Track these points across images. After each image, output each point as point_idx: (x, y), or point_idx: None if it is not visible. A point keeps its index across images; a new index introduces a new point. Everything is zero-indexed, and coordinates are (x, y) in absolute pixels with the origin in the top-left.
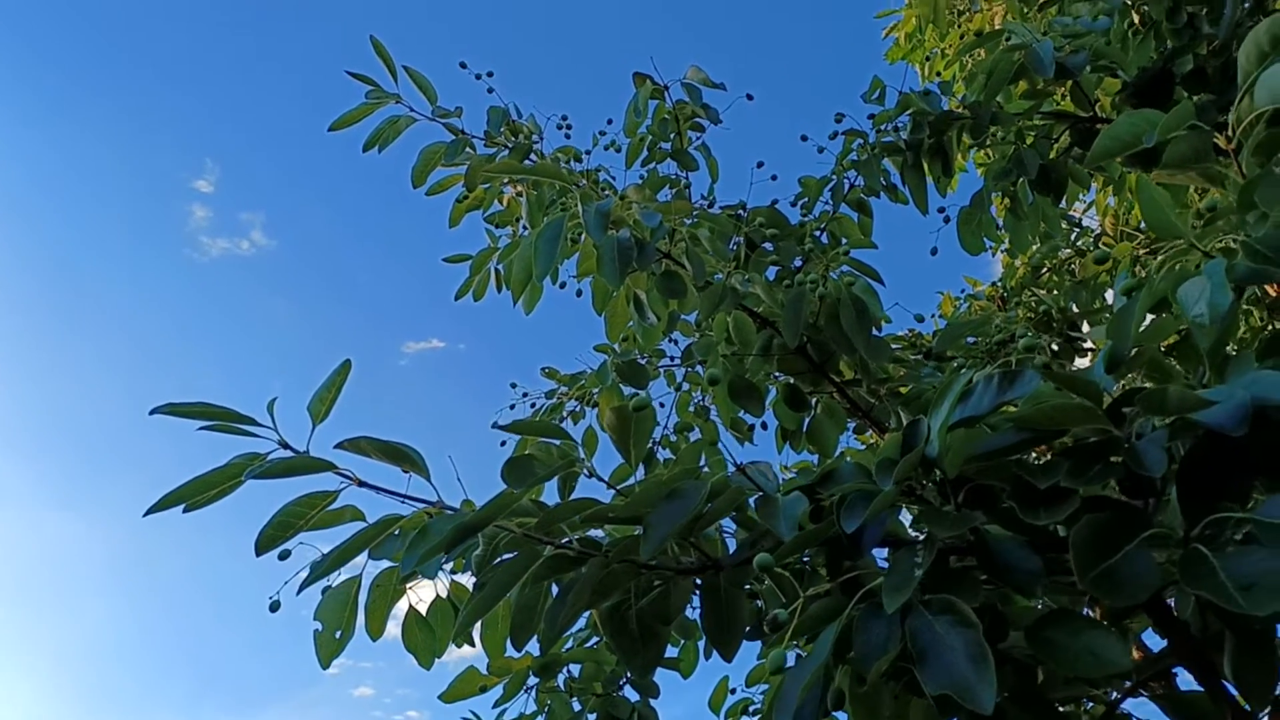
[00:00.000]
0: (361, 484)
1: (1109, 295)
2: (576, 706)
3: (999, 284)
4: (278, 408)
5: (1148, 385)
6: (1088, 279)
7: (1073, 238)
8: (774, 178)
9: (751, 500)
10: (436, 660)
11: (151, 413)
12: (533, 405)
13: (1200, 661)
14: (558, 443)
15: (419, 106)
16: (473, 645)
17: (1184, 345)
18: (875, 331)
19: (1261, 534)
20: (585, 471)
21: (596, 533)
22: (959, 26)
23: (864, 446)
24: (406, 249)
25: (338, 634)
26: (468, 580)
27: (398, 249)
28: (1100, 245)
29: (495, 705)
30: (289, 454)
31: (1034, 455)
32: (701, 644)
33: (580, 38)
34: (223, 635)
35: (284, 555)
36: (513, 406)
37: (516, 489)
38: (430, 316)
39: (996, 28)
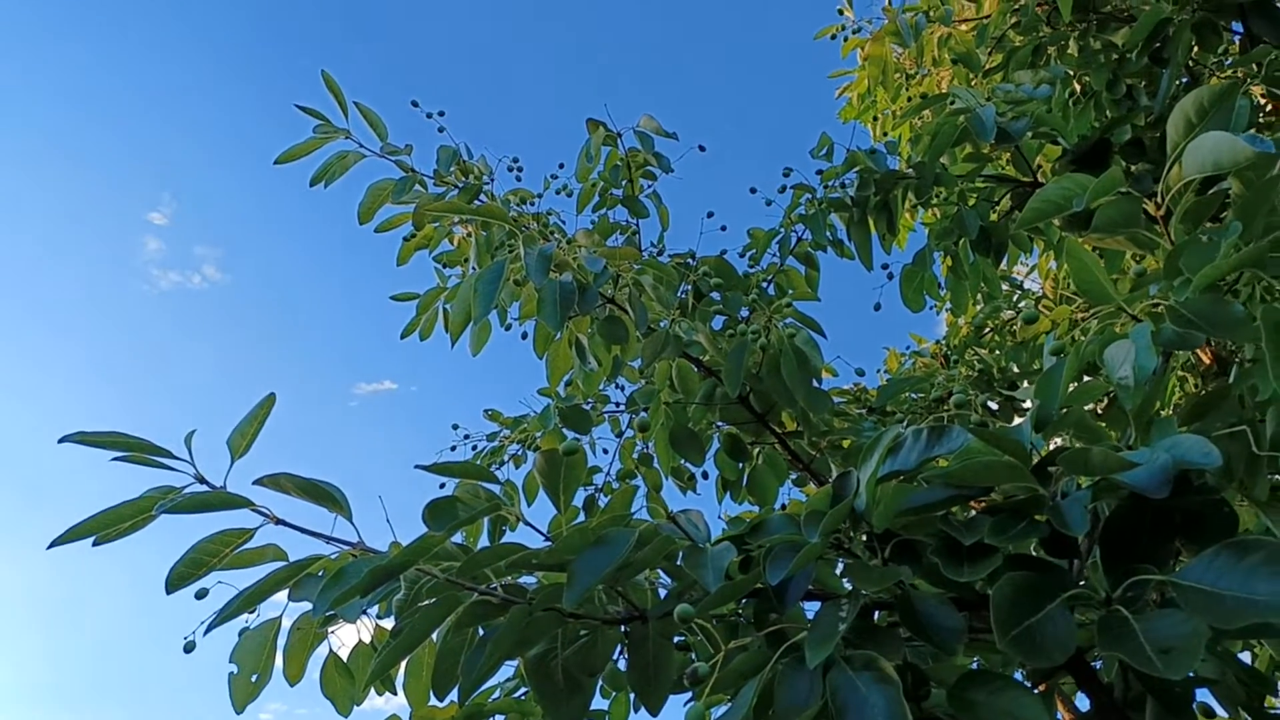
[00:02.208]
0: (279, 522)
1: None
2: None
3: (943, 342)
4: (213, 443)
5: (1076, 446)
6: (1028, 340)
7: (1015, 300)
8: (723, 228)
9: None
10: (356, 708)
11: (60, 441)
12: (474, 448)
13: None
14: (496, 487)
15: (369, 143)
16: (395, 694)
17: (1114, 408)
18: (816, 383)
19: (1180, 597)
20: (514, 519)
21: (529, 580)
22: (908, 90)
23: (805, 498)
24: (363, 289)
25: (254, 677)
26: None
27: (354, 289)
28: (1040, 308)
29: None
30: (205, 489)
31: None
32: (633, 696)
33: (535, 86)
34: (146, 676)
35: (201, 594)
36: (454, 448)
37: (437, 531)
38: (384, 358)
39: (943, 91)
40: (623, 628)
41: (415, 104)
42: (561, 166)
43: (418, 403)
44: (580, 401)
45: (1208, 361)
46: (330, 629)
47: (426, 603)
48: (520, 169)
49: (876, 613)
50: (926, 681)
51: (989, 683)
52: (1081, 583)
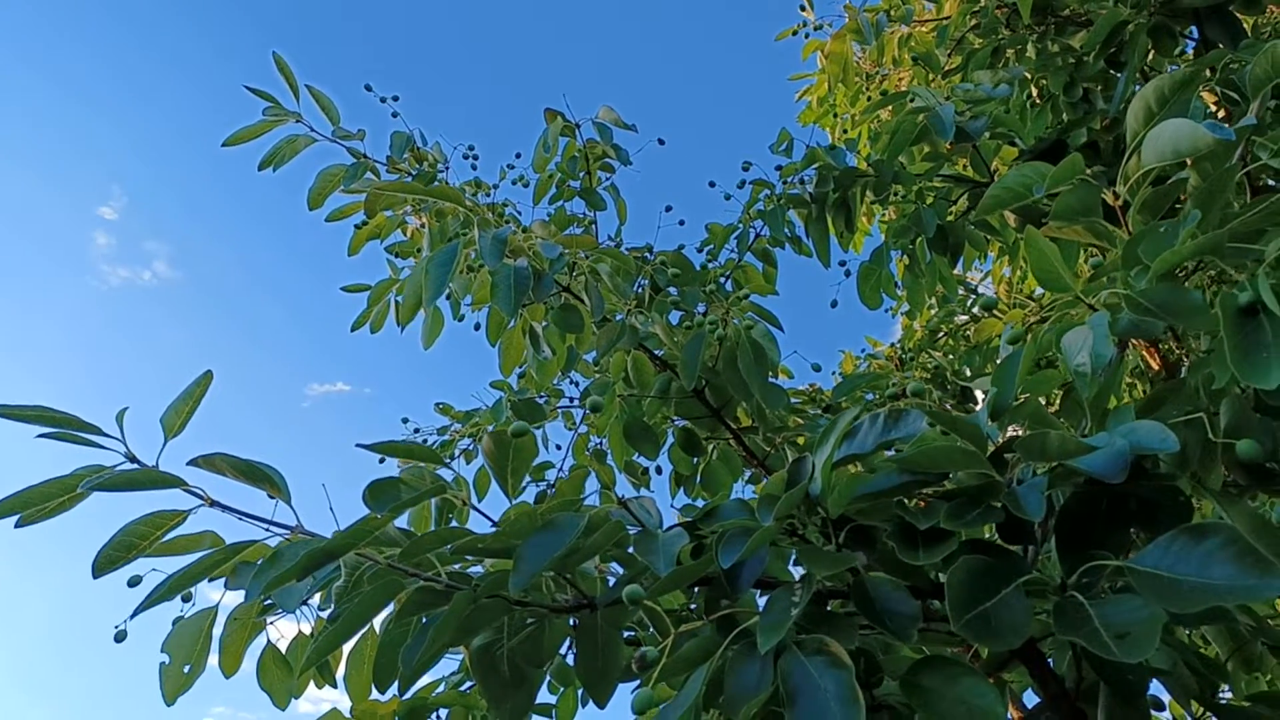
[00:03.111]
0: (214, 504)
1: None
2: None
3: (897, 345)
4: (152, 431)
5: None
6: (981, 344)
7: (969, 304)
8: (681, 223)
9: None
10: (296, 703)
11: None
12: (424, 441)
13: (1074, 714)
14: (444, 471)
15: (321, 127)
16: (335, 687)
17: (1069, 400)
18: (772, 377)
19: (1137, 583)
20: (459, 502)
21: (477, 569)
22: (868, 90)
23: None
24: (317, 292)
25: (186, 668)
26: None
27: (307, 291)
28: (994, 313)
29: None
30: (135, 467)
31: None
32: (581, 691)
33: (492, 77)
34: (78, 670)
35: (134, 581)
36: None
37: (379, 513)
38: (337, 359)
39: (903, 90)
40: (571, 618)
41: (369, 88)
42: (518, 156)
43: (371, 405)
44: (533, 394)
45: (1156, 367)
46: (269, 619)
47: (364, 589)
48: (476, 157)
49: (829, 603)
50: (879, 669)
51: (943, 670)
52: (1035, 570)
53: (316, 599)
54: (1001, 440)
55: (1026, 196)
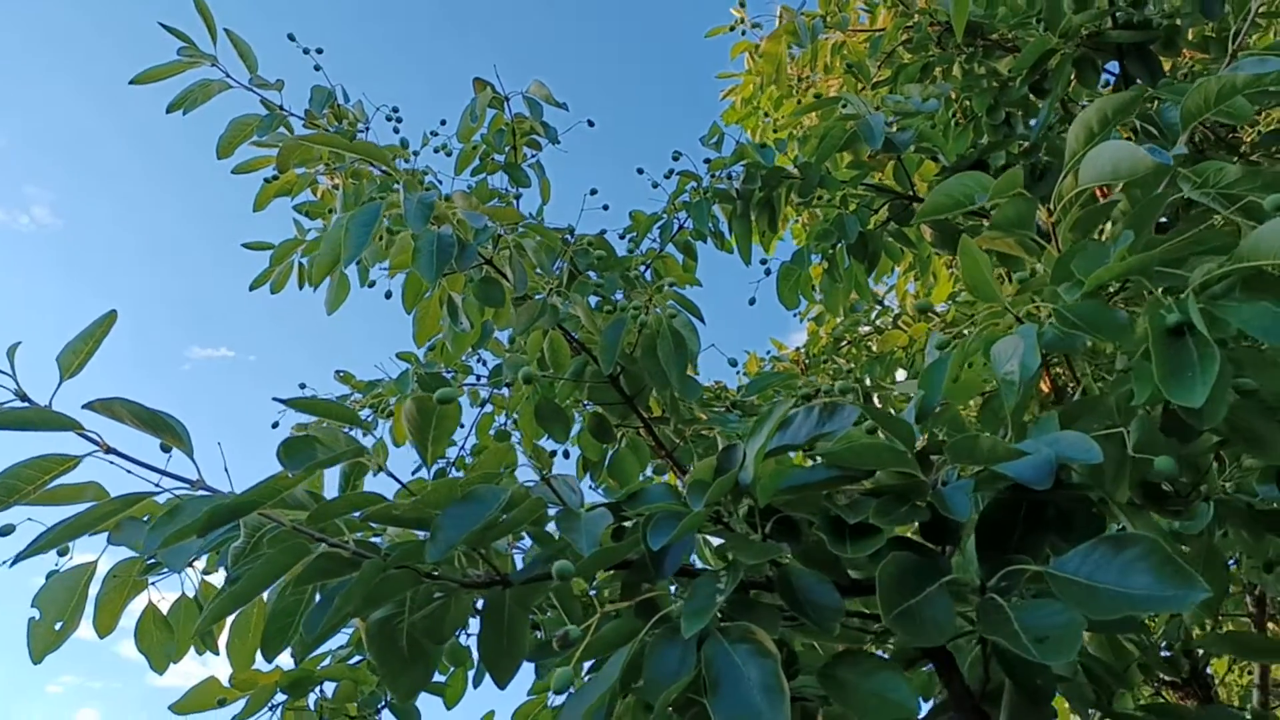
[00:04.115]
0: (109, 450)
1: (900, 374)
2: None
3: (802, 350)
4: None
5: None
6: (884, 354)
7: (873, 315)
8: (605, 207)
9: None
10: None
11: None
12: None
13: (977, 715)
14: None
15: (237, 74)
16: (216, 653)
17: (986, 409)
18: (692, 368)
19: (1057, 588)
20: (375, 467)
21: (378, 540)
22: (798, 93)
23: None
24: (205, 251)
25: (58, 625)
26: (220, 582)
27: (196, 250)
28: (899, 324)
29: None
30: (26, 405)
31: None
32: (471, 673)
33: (417, 48)
34: None
35: (6, 530)
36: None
37: (293, 472)
38: (222, 324)
39: (832, 96)
40: (478, 595)
41: (292, 37)
42: (443, 124)
43: (255, 373)
44: (440, 368)
45: (1046, 390)
46: (151, 579)
47: (267, 552)
48: (399, 120)
49: (749, 592)
50: (796, 660)
51: (860, 664)
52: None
53: (202, 561)
54: (923, 441)
55: (967, 205)
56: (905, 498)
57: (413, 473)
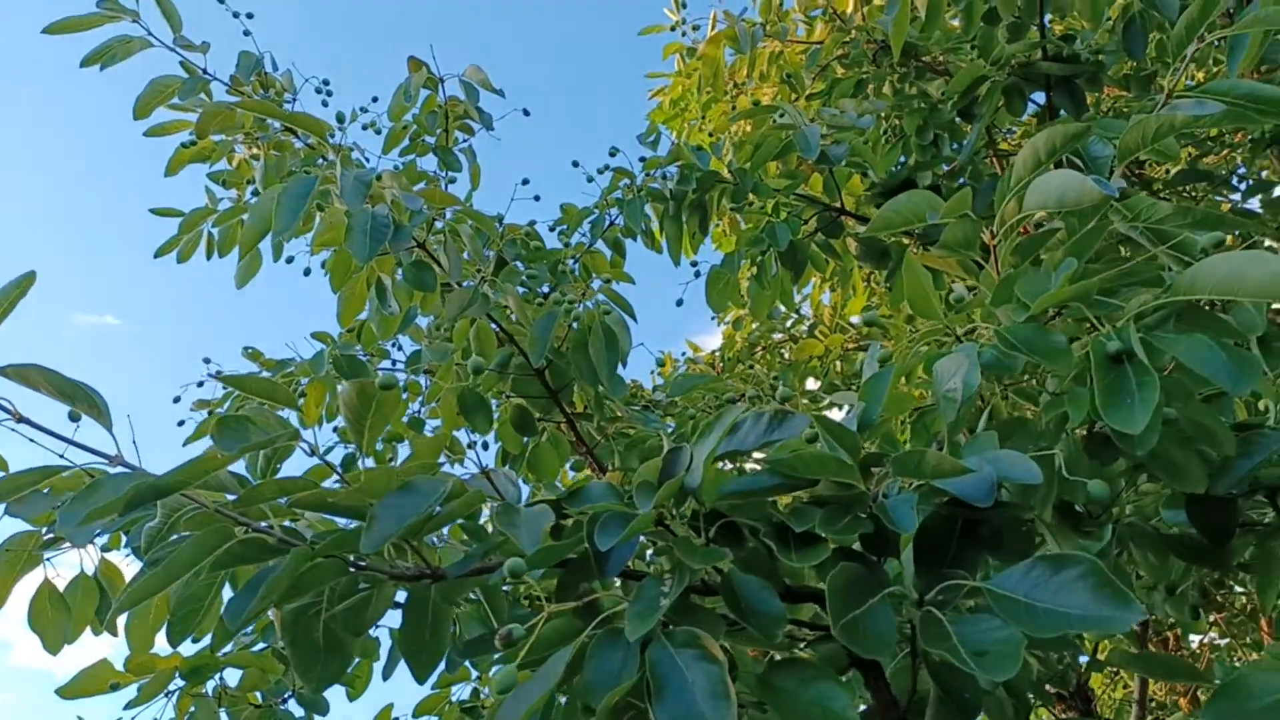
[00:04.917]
0: (21, 419)
1: (810, 382)
2: (225, 718)
3: (718, 353)
4: None
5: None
6: (798, 362)
7: (788, 324)
8: (537, 198)
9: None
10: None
11: None
12: (224, 388)
13: None
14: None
15: (160, 34)
16: (115, 635)
17: (918, 425)
18: (622, 366)
19: (995, 604)
20: (307, 448)
21: (297, 526)
22: (732, 99)
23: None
24: (93, 214)
25: None
26: (120, 561)
27: (83, 212)
28: (816, 334)
29: (127, 707)
30: None
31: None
32: (379, 665)
33: (355, 24)
34: None
35: None
36: (201, 384)
37: (226, 452)
38: (106, 290)
39: (766, 105)
40: (401, 589)
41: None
42: (375, 100)
43: (140, 343)
44: (357, 351)
45: None
46: (48, 555)
47: (184, 534)
48: (329, 93)
49: (690, 597)
50: (735, 665)
51: (799, 672)
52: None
53: (103, 537)
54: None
55: (916, 222)
56: (848, 508)
57: (341, 460)
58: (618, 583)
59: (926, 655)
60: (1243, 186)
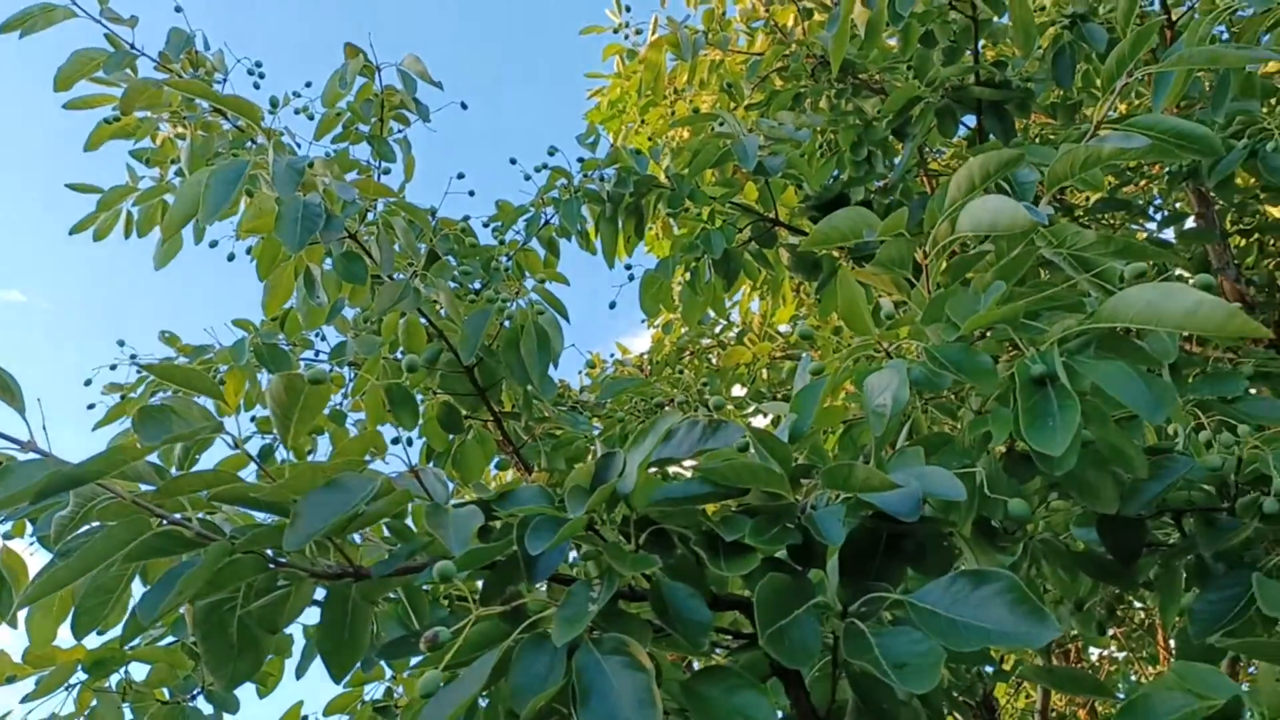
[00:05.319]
0: None
1: (737, 389)
2: (129, 714)
3: (646, 356)
4: None
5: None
6: (725, 369)
7: (718, 330)
8: (471, 193)
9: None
10: None
11: None
12: (139, 372)
13: None
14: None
15: (86, 4)
16: (14, 626)
17: (845, 438)
18: (553, 366)
19: (917, 617)
20: (230, 440)
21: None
22: (671, 104)
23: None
24: (7, 183)
25: None
26: (22, 549)
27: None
28: (745, 341)
29: (24, 701)
30: None
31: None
32: (291, 661)
33: (292, 9)
34: None
35: None
36: (114, 366)
37: (147, 442)
38: (14, 264)
39: (704, 113)
40: (319, 587)
41: None
42: (308, 85)
43: (49, 321)
44: (279, 340)
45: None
46: None
47: (97, 525)
48: (261, 75)
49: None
50: (660, 673)
51: (723, 680)
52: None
53: (9, 524)
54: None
55: (852, 238)
56: (778, 519)
57: (259, 451)
58: (543, 586)
59: (847, 665)
60: (1158, 217)
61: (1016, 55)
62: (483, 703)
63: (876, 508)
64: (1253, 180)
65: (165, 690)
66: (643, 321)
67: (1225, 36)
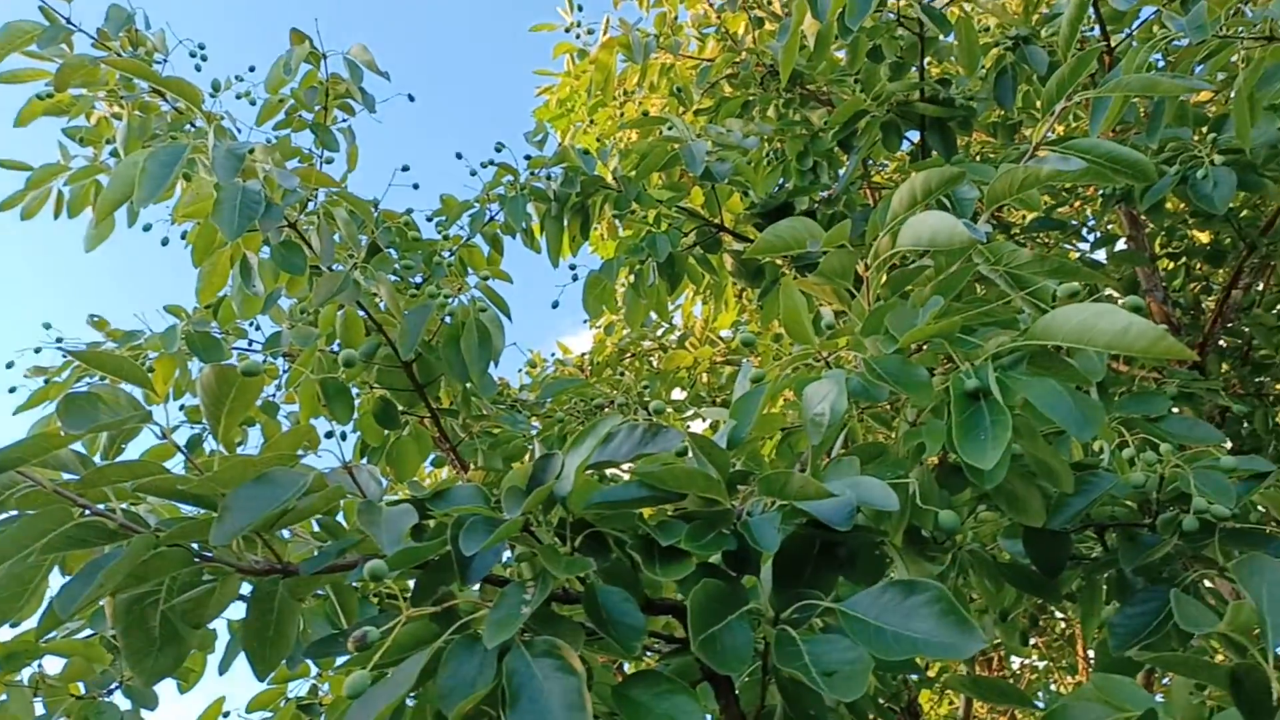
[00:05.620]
0: None
1: (677, 392)
2: (41, 709)
3: (587, 356)
4: None
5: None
6: (666, 372)
7: (659, 333)
8: (416, 186)
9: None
10: None
11: None
12: (65, 356)
13: None
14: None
15: None
16: None
17: (783, 445)
18: (493, 364)
19: (846, 625)
20: (158, 430)
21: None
22: (620, 105)
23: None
24: None
25: None
26: None
27: None
28: (686, 345)
29: None
30: None
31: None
32: (214, 657)
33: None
34: None
35: None
36: (38, 350)
37: (73, 430)
38: None
39: (653, 116)
40: (246, 582)
41: None
42: (252, 70)
43: None
44: (211, 328)
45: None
46: None
47: (15, 513)
48: (204, 58)
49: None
50: (592, 676)
51: (655, 685)
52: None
53: None
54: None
55: (797, 247)
56: (714, 524)
57: (187, 443)
58: (476, 586)
59: (777, 671)
60: (1091, 238)
61: (961, 74)
62: (410, 702)
63: (811, 515)
64: (1182, 205)
65: (81, 685)
66: (585, 321)
67: (1161, 64)
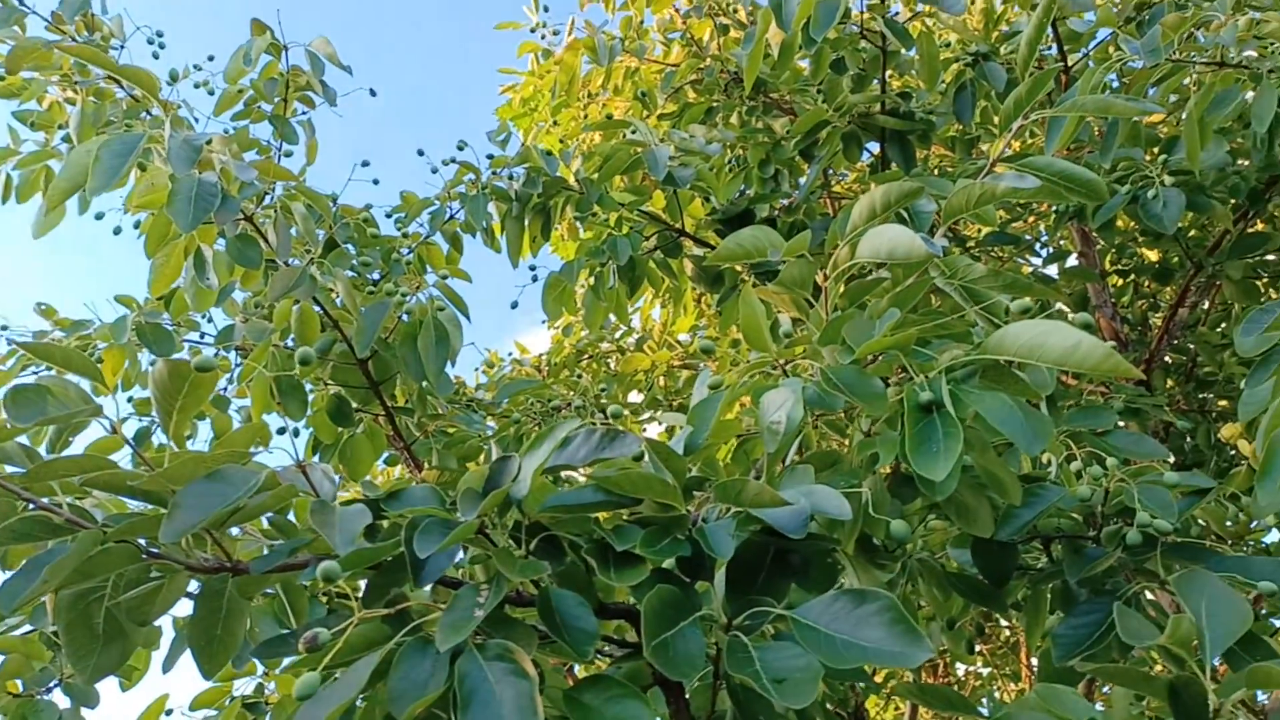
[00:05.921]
0: None
1: (634, 395)
2: None
3: (545, 357)
4: None
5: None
6: (624, 375)
7: (618, 336)
8: (375, 182)
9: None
10: None
11: None
12: (10, 344)
13: None
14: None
15: None
16: None
17: (739, 451)
18: (451, 364)
19: (798, 632)
20: (109, 424)
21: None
22: (584, 107)
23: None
24: None
25: None
26: None
27: None
28: (644, 348)
29: None
30: None
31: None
32: (158, 654)
33: None
34: None
35: None
36: None
37: (19, 423)
38: None
39: (617, 120)
40: (194, 580)
41: None
42: (211, 59)
43: None
44: (163, 320)
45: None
46: None
47: None
48: (162, 45)
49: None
50: (544, 680)
51: (606, 689)
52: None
53: None
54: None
55: (757, 255)
56: (669, 530)
57: (135, 436)
58: (429, 587)
59: (728, 677)
60: (1044, 253)
61: (921, 88)
62: (360, 703)
63: (765, 523)
64: (1133, 224)
65: (19, 682)
66: (543, 322)
67: (1116, 85)
